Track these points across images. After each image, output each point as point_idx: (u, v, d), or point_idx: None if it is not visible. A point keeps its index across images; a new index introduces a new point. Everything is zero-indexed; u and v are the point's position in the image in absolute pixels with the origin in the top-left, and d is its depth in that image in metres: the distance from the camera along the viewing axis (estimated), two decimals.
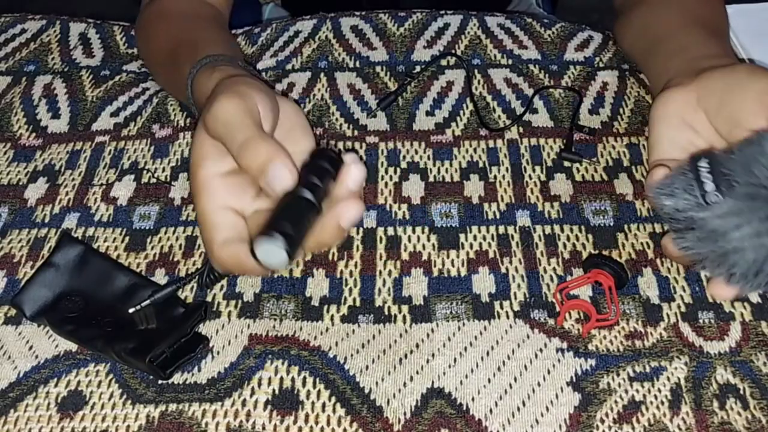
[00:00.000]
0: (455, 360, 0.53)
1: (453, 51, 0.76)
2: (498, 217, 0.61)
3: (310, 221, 0.44)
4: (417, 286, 0.57)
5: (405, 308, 0.56)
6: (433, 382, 0.52)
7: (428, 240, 0.60)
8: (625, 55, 0.75)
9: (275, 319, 0.56)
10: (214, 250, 0.46)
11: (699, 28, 0.66)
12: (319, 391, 0.52)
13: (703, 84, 0.54)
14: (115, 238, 0.61)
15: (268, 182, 0.43)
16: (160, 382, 0.52)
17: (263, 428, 0.50)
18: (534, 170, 0.65)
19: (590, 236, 0.60)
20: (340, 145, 0.68)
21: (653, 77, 0.67)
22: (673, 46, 0.64)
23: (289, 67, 0.76)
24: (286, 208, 0.43)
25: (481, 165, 0.66)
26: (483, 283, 0.57)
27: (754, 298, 0.56)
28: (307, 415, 0.50)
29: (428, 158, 0.66)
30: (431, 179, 0.65)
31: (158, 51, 0.71)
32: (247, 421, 0.50)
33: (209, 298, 0.57)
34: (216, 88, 0.50)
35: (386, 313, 0.56)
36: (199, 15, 0.74)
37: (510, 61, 0.75)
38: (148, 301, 0.54)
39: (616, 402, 0.51)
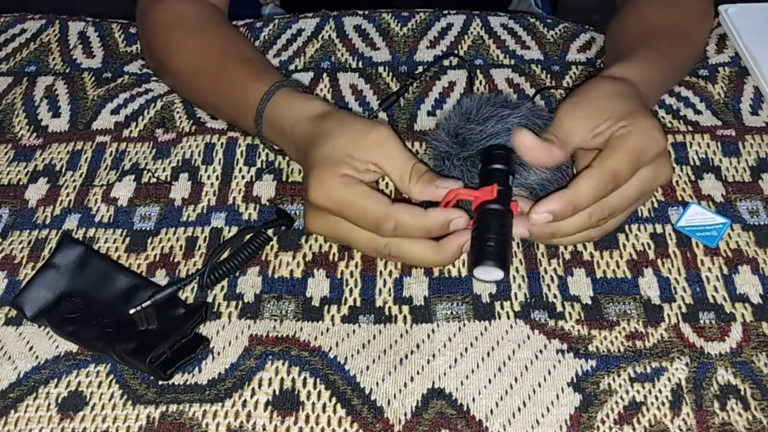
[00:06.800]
0: (456, 360, 0.53)
1: (455, 51, 0.76)
2: None
3: (510, 227, 0.52)
4: (417, 287, 0.57)
5: (405, 308, 0.56)
6: (433, 382, 0.52)
7: None
8: None
9: (276, 320, 0.56)
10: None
11: (644, 35, 0.67)
12: (319, 391, 0.52)
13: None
14: (115, 239, 0.61)
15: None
16: (160, 382, 0.52)
17: (263, 429, 0.50)
18: None
19: None
20: None
21: None
22: (616, 50, 0.68)
23: (292, 67, 0.76)
24: (486, 227, 0.50)
25: None
26: (483, 283, 0.57)
27: (755, 299, 0.56)
28: (307, 416, 0.50)
29: (429, 158, 0.66)
30: None
31: (192, 60, 0.70)
32: (248, 421, 0.50)
33: (210, 299, 0.57)
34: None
35: (387, 313, 0.56)
36: (217, 22, 0.74)
37: (512, 62, 0.75)
38: (148, 302, 0.54)
39: (616, 403, 0.51)
